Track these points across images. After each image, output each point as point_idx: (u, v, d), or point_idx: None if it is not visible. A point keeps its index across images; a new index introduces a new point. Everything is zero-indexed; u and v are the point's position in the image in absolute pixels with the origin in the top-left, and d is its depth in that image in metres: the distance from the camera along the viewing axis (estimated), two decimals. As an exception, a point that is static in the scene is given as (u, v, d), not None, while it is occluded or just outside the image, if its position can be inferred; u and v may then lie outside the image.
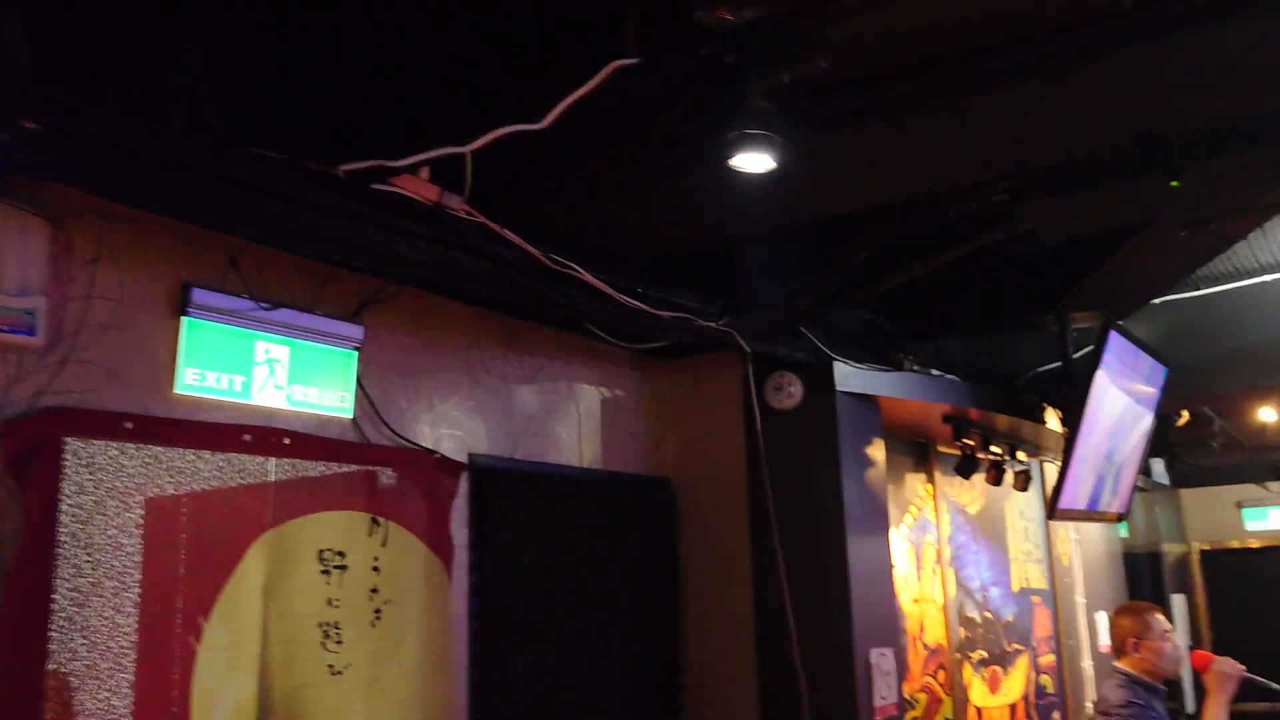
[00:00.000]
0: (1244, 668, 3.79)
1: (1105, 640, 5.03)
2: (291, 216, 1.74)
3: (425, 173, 1.91)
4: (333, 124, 1.86)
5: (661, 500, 3.18)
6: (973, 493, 4.33)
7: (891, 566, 3.23)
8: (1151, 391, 3.94)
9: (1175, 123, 2.11)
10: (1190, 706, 6.64)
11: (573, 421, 2.89)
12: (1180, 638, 6.69)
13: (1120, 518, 4.24)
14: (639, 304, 2.35)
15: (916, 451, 3.99)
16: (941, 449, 4.04)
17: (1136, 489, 6.56)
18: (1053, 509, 3.43)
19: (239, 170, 1.64)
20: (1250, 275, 4.14)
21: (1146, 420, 4.00)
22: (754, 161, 1.66)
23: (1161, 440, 6.83)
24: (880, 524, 3.17)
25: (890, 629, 3.10)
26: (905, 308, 3.70)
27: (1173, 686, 6.15)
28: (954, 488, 4.19)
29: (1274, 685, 3.79)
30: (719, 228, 2.42)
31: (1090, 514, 3.79)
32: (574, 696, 2.75)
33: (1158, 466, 7.15)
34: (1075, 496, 3.56)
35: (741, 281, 3.05)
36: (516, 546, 2.63)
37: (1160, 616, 3.96)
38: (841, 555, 2.93)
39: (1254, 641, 7.23)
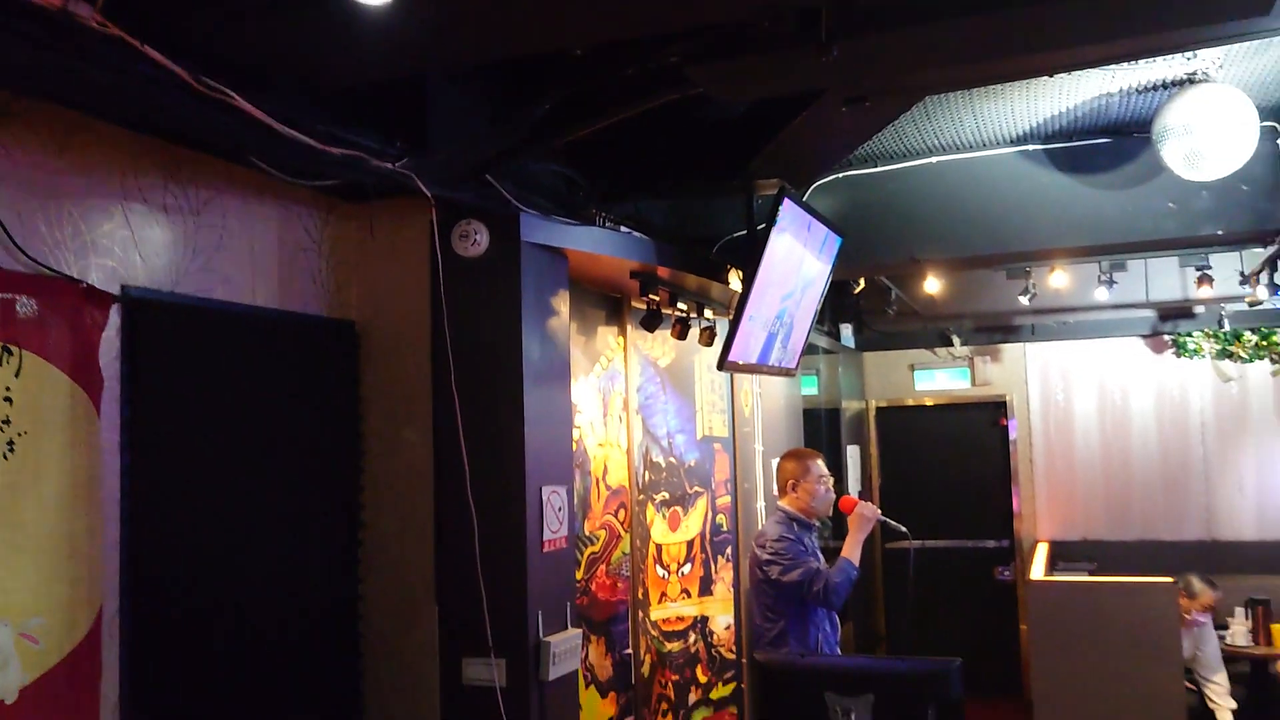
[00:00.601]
0: (880, 511, 4.34)
1: (777, 484, 5.54)
2: None
3: (47, -26, 1.76)
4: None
5: (344, 343, 3.18)
6: (665, 346, 4.59)
7: (570, 412, 3.40)
8: (825, 259, 4.27)
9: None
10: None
11: (245, 258, 2.81)
12: (852, 484, 7.47)
13: (791, 373, 4.61)
14: (303, 138, 2.29)
15: (610, 305, 4.17)
16: (635, 304, 4.23)
17: (825, 351, 7.17)
18: (722, 361, 3.71)
19: None
20: (920, 156, 4.52)
21: (819, 285, 4.34)
22: (368, -9, 1.66)
23: (851, 307, 7.45)
24: (560, 372, 3.31)
25: (564, 469, 3.28)
26: (604, 166, 3.79)
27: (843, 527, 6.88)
28: (646, 341, 4.42)
29: (901, 527, 4.36)
30: (374, 64, 2.38)
31: (760, 368, 4.11)
32: (243, 529, 2.76)
33: (846, 331, 7.80)
34: (746, 351, 3.85)
35: (432, 124, 3.02)
36: (177, 381, 2.57)
37: (819, 463, 4.43)
38: (518, 400, 3.05)
39: (915, 486, 8.21)
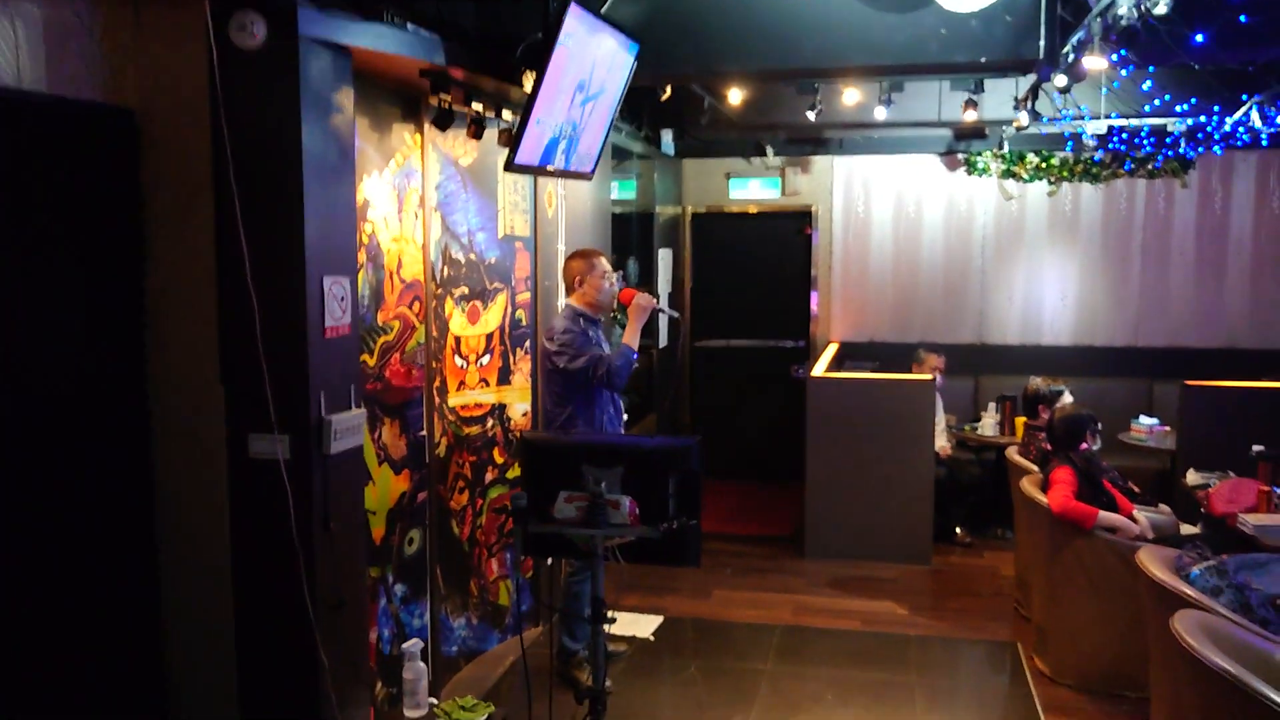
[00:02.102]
0: (655, 301, 4.70)
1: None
2: None
3: None
4: None
5: (121, 129, 3.19)
6: (467, 145, 4.69)
7: (353, 207, 3.53)
8: (619, 66, 4.41)
9: None
10: (664, 343, 7.92)
11: (7, 39, 2.77)
12: (663, 285, 7.86)
13: (587, 177, 4.80)
14: (51, -81, 2.27)
15: (406, 103, 4.22)
16: (434, 102, 4.30)
17: (640, 156, 7.37)
18: (509, 163, 3.87)
19: None
20: (719, -32, 4.64)
21: (613, 92, 4.49)
22: None
23: (672, 115, 7.62)
24: (343, 167, 3.42)
25: (346, 260, 3.44)
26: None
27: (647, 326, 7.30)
28: (446, 140, 4.52)
29: (674, 312, 4.73)
30: None
31: (547, 170, 4.29)
32: (21, 319, 2.85)
33: (667, 137, 8.00)
34: (533, 154, 4.02)
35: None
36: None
37: (603, 260, 4.72)
38: (296, 193, 3.16)
39: (724, 289, 8.68)
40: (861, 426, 6.55)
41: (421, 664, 3.47)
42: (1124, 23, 3.04)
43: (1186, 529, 5.31)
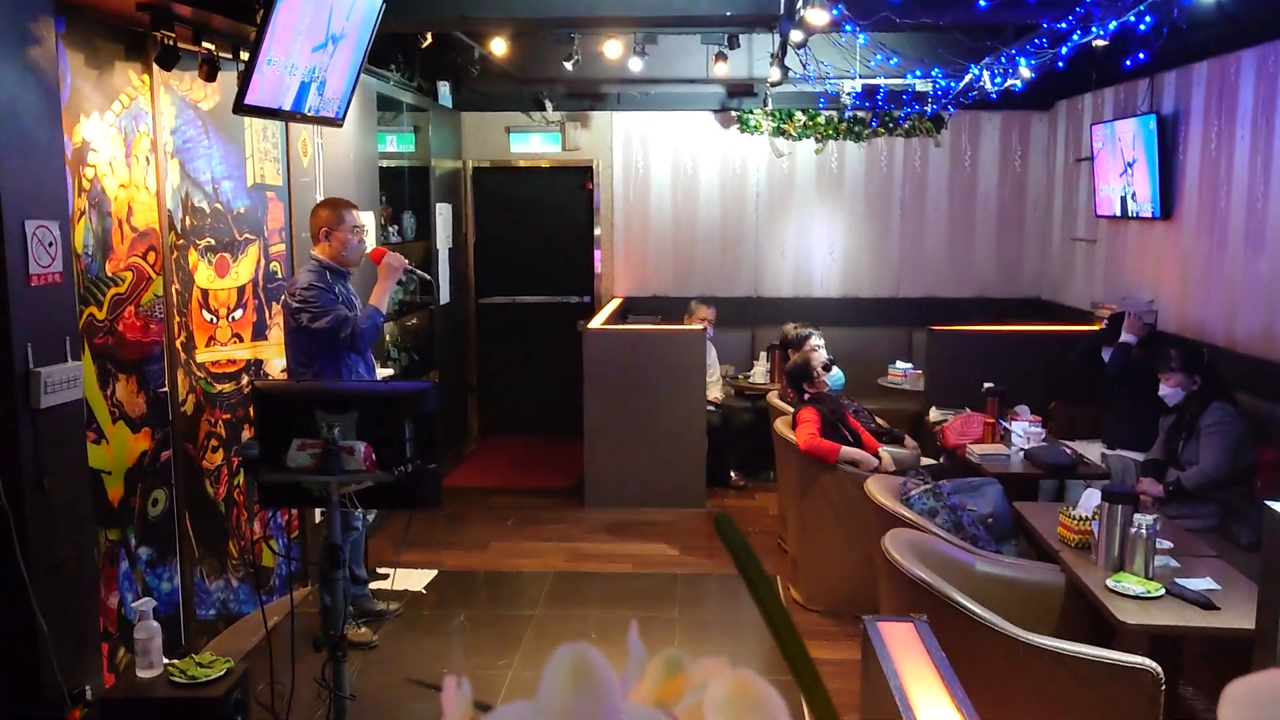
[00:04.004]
0: (406, 262, 4.64)
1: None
2: None
3: None
4: None
5: None
6: (207, 88, 4.48)
7: (59, 147, 3.32)
8: (363, 9, 4.30)
9: None
10: (445, 299, 7.84)
11: None
12: (442, 240, 7.76)
13: (336, 123, 4.67)
14: None
15: (131, 40, 3.99)
16: (159, 38, 4.07)
17: (411, 108, 7.23)
18: (237, 105, 3.73)
19: None
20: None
21: (355, 35, 4.38)
22: None
23: (448, 66, 7.50)
24: (46, 105, 3.20)
25: (53, 204, 3.24)
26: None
27: (427, 285, 7.19)
28: (184, 82, 4.30)
29: (426, 275, 4.70)
30: None
31: (295, 115, 4.16)
32: None
33: (444, 89, 7.87)
34: (275, 97, 3.89)
35: None
36: None
37: (355, 214, 4.62)
38: (-13, 129, 2.96)
39: (509, 244, 8.66)
40: (636, 377, 6.70)
41: (154, 623, 3.34)
42: (833, -24, 3.20)
43: (928, 462, 5.72)
